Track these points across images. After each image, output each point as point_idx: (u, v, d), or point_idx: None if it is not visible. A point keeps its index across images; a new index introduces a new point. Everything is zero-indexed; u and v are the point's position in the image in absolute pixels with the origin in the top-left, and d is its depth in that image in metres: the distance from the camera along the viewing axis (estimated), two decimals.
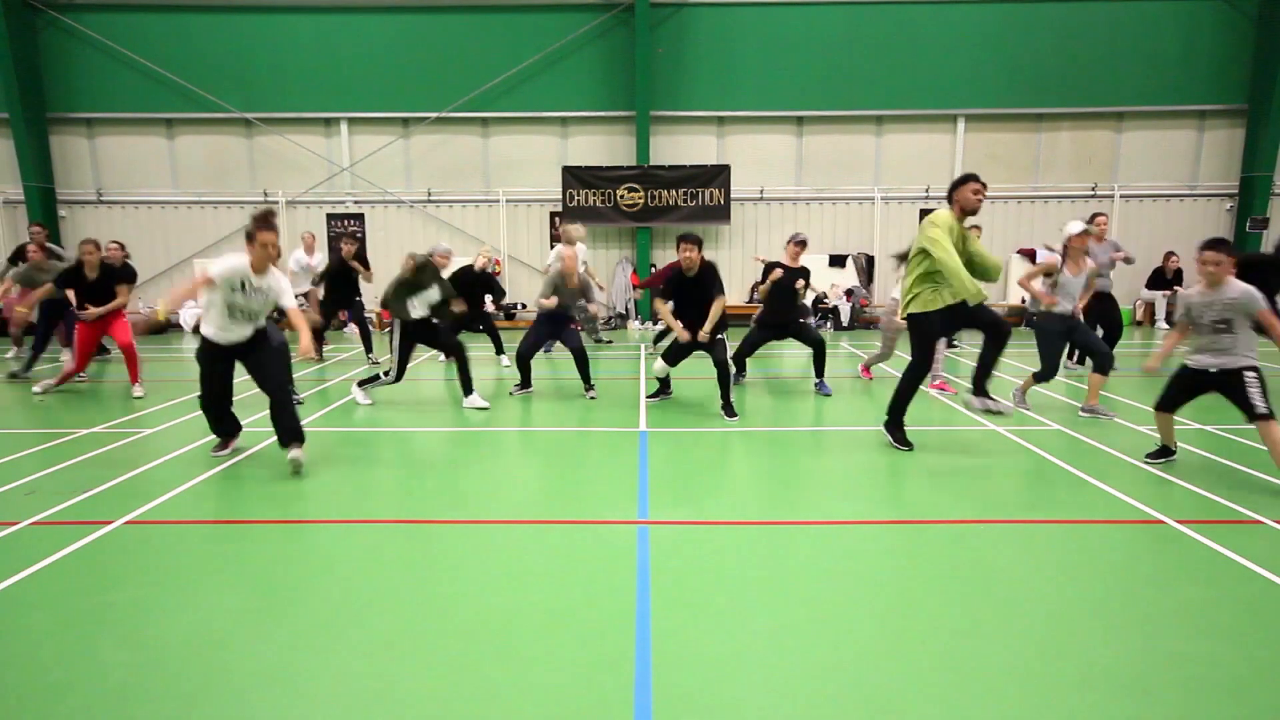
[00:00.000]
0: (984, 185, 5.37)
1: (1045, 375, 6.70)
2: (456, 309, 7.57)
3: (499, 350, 10.16)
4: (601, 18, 14.08)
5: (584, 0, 14.09)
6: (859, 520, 4.37)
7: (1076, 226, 6.71)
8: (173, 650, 2.96)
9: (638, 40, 13.73)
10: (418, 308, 7.21)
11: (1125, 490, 4.75)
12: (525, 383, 8.05)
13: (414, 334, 7.26)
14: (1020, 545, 3.97)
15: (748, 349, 8.13)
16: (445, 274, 7.57)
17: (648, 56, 13.84)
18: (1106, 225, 8.76)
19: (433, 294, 7.27)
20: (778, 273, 7.64)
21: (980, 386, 5.64)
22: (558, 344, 9.94)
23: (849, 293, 14.32)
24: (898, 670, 2.80)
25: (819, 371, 8.04)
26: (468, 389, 7.34)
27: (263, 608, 3.32)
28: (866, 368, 8.86)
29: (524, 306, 14.95)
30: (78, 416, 7.04)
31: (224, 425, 5.60)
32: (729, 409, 6.89)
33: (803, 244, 8.01)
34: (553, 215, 14.87)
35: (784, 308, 7.88)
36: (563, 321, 8.11)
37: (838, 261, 14.68)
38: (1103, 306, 8.40)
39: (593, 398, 7.71)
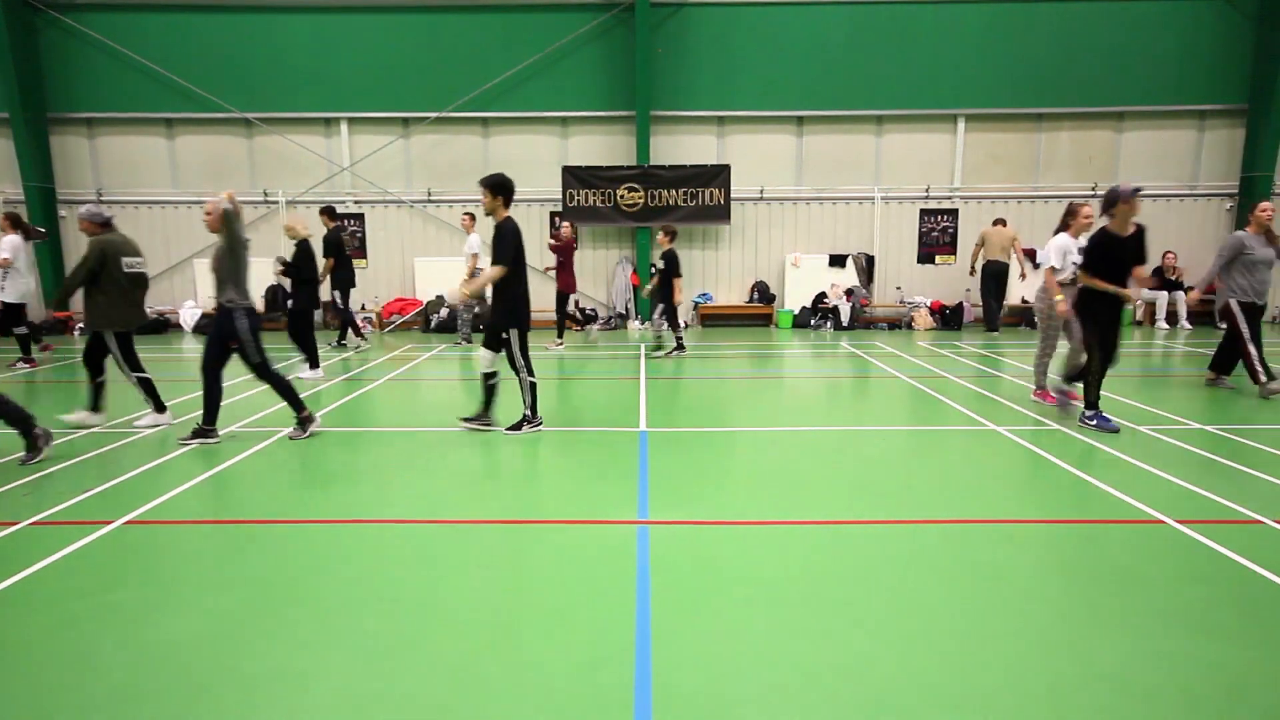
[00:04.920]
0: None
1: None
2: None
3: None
4: (601, 18, 14.08)
5: (584, 0, 14.09)
6: (859, 520, 4.37)
7: None
8: (173, 650, 2.96)
9: (638, 40, 13.73)
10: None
11: (1125, 490, 4.76)
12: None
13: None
14: (1020, 545, 3.97)
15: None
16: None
17: (648, 56, 13.83)
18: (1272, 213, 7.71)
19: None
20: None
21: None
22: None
23: (849, 293, 14.33)
24: (897, 670, 2.80)
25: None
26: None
27: (263, 608, 3.32)
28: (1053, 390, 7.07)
29: None
30: None
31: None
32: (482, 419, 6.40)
33: None
34: (553, 215, 14.87)
35: None
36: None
37: (838, 261, 14.66)
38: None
39: (291, 437, 6.15)
